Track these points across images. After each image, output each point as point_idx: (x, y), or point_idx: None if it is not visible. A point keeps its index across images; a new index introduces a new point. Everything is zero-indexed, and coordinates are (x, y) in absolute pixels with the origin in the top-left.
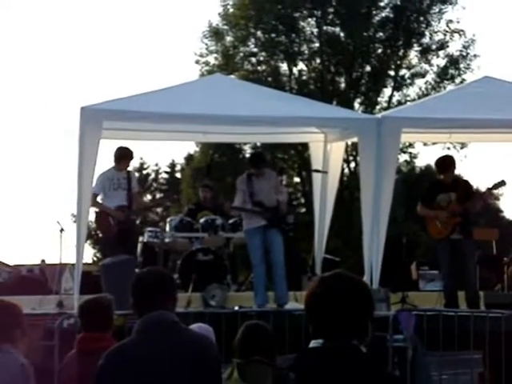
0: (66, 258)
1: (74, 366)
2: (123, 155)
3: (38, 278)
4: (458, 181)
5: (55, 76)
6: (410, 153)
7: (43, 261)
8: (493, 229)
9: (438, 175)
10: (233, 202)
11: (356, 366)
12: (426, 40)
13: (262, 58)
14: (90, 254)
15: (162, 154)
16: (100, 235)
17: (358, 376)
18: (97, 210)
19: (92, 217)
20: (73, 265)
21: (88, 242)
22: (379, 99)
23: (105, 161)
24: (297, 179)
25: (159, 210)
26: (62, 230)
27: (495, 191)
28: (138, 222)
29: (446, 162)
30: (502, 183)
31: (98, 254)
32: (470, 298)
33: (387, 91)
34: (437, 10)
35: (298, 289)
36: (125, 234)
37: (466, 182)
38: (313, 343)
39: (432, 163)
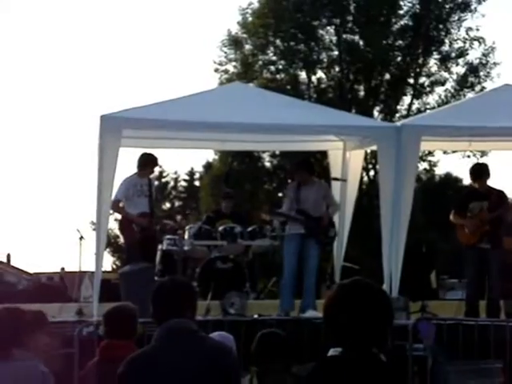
0: (85, 265)
1: (97, 373)
2: (148, 161)
3: (58, 286)
4: (491, 190)
5: (77, 84)
6: (430, 161)
7: (63, 269)
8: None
9: (473, 183)
10: (264, 207)
11: (375, 375)
12: (445, 48)
13: (280, 67)
14: (109, 261)
15: (181, 162)
16: (120, 243)
17: None
18: (119, 216)
19: (111, 224)
20: (92, 273)
21: (107, 249)
22: (398, 107)
23: (124, 169)
24: None
25: (178, 217)
26: (81, 237)
27: None
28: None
29: (480, 170)
30: None
31: (117, 262)
32: (491, 307)
33: (406, 99)
34: (456, 17)
35: (317, 297)
36: (147, 241)
37: (501, 192)
38: (332, 351)
39: (452, 171)
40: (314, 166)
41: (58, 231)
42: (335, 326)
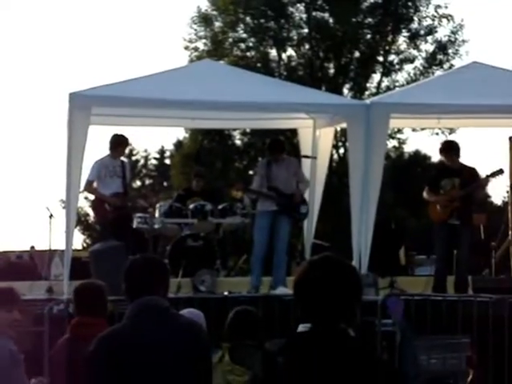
0: (55, 244)
1: (67, 351)
2: (119, 142)
3: (28, 264)
4: (464, 167)
5: (43, 63)
6: (399, 138)
7: (33, 247)
8: (481, 214)
9: (444, 160)
10: (236, 184)
11: (344, 350)
12: (414, 25)
13: (251, 44)
14: (79, 240)
15: (151, 140)
16: (90, 221)
17: (347, 359)
18: (92, 196)
19: (81, 202)
20: (62, 251)
21: (77, 228)
22: (368, 85)
23: (94, 147)
24: None
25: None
26: (51, 216)
27: (493, 179)
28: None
29: (451, 147)
30: (499, 172)
31: (87, 240)
32: (459, 282)
33: (376, 77)
34: None
35: (288, 274)
36: (121, 220)
37: (473, 169)
38: (301, 327)
39: (420, 149)
40: (284, 143)
41: (28, 209)
42: (305, 302)
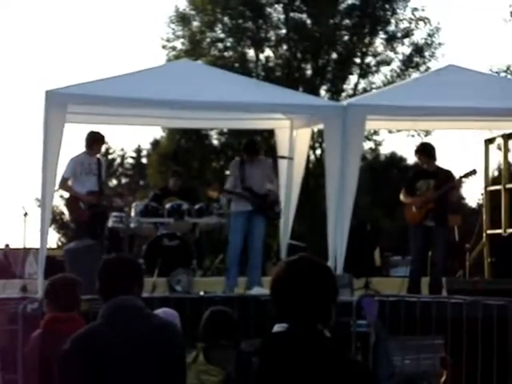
0: (30, 242)
1: (40, 347)
2: (95, 139)
3: (2, 263)
4: (439, 169)
5: (20, 59)
6: (375, 140)
7: (7, 245)
8: (456, 215)
9: (419, 162)
10: (213, 184)
11: (320, 351)
12: (391, 28)
13: (228, 44)
14: (54, 238)
15: (127, 139)
16: (65, 220)
17: (322, 360)
18: (67, 194)
19: (56, 201)
20: (37, 249)
21: (52, 226)
22: (345, 86)
23: (70, 145)
24: None
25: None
26: (26, 214)
27: (466, 180)
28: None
29: (427, 149)
30: (473, 172)
31: (62, 239)
32: (433, 284)
33: (353, 78)
34: None
35: (263, 274)
36: (96, 219)
37: (448, 172)
38: (277, 327)
39: (396, 151)
40: (259, 145)
41: (2, 207)
42: (281, 302)
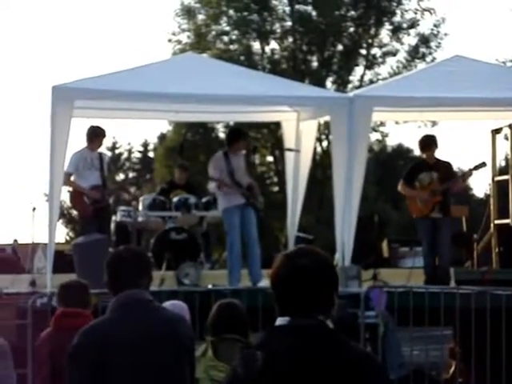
0: (38, 237)
1: (50, 343)
2: (95, 134)
3: (11, 257)
4: (440, 162)
5: (26, 55)
6: (382, 132)
7: (15, 240)
8: (463, 206)
9: (421, 154)
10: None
11: (323, 342)
12: (397, 19)
13: (234, 37)
14: (62, 233)
15: (134, 133)
16: (73, 215)
17: (326, 351)
18: (71, 189)
19: (64, 195)
20: (45, 244)
21: (60, 221)
22: (351, 78)
23: (77, 140)
24: (270, 158)
25: (132, 189)
26: (34, 209)
27: (476, 172)
28: (110, 201)
29: (429, 141)
30: (482, 164)
31: (70, 233)
32: (441, 274)
33: (359, 70)
34: None
35: (271, 267)
36: (100, 213)
37: (448, 164)
38: (279, 321)
39: (403, 142)
40: (243, 133)
41: (11, 203)
42: (281, 295)
